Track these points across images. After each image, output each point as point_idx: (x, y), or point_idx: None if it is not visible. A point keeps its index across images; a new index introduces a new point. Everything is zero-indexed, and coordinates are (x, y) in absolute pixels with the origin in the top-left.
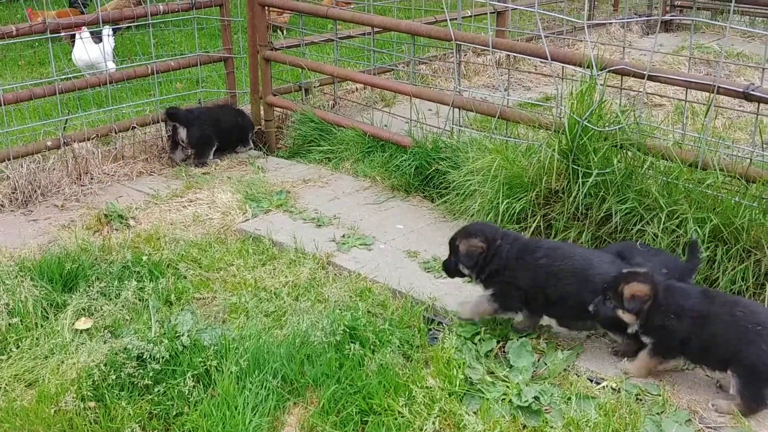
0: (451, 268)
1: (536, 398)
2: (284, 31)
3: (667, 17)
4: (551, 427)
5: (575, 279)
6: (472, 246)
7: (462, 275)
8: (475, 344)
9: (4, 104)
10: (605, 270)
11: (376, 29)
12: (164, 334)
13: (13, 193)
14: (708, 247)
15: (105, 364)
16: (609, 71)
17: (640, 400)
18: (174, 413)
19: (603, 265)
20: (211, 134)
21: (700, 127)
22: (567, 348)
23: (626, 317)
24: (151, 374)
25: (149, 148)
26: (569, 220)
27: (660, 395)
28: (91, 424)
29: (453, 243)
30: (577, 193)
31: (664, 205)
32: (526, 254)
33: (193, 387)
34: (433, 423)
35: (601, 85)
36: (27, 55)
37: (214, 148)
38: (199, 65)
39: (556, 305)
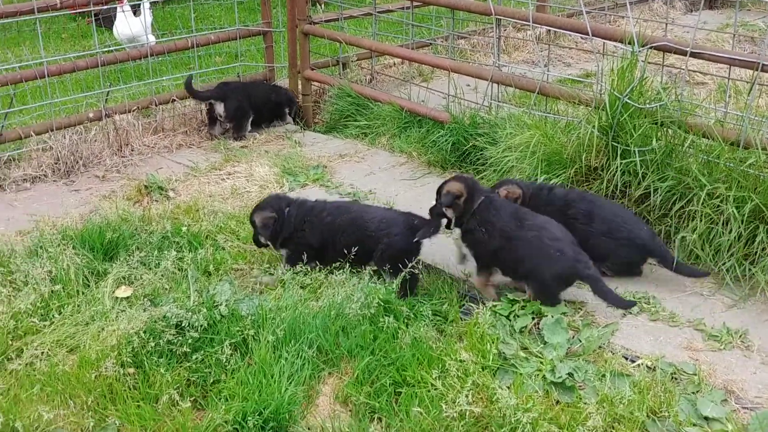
0: (255, 240)
1: (570, 374)
2: (322, 5)
3: None
4: (585, 403)
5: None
6: (266, 217)
7: (265, 245)
8: (510, 320)
9: (48, 76)
10: (380, 214)
11: (415, 3)
12: (203, 303)
13: (56, 163)
14: (748, 228)
15: (144, 332)
16: (651, 48)
17: (676, 378)
18: (211, 380)
19: (378, 211)
20: (247, 106)
21: (743, 105)
22: (602, 325)
23: (448, 212)
24: (189, 342)
25: (188, 121)
26: (608, 198)
27: (696, 374)
28: (130, 389)
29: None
30: (616, 171)
31: (705, 184)
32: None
33: (230, 355)
34: (466, 396)
35: (642, 61)
36: (70, 28)
37: (250, 120)
38: (239, 39)
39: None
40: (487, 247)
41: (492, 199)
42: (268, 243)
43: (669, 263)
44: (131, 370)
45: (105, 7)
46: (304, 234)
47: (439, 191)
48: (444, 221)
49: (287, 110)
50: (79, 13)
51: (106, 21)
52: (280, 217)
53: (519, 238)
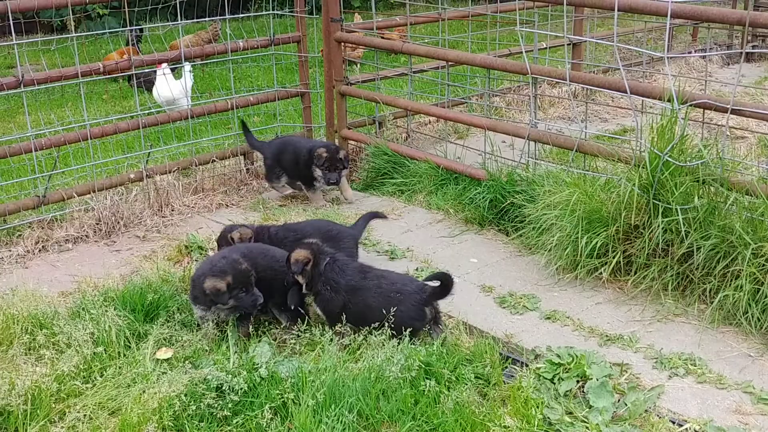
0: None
1: None
2: (358, 65)
3: (749, 48)
4: None
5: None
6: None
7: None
8: (554, 383)
9: (91, 138)
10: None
11: (449, 63)
12: (242, 365)
13: (98, 224)
14: None
15: (185, 395)
16: (691, 105)
17: None
18: None
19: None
20: (277, 165)
21: None
22: (648, 388)
23: (299, 278)
24: (229, 405)
25: (228, 181)
26: (650, 257)
27: None
28: None
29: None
30: (658, 229)
31: (749, 242)
32: None
33: (271, 419)
34: None
35: (682, 119)
36: (111, 89)
37: (281, 176)
38: (277, 100)
39: None
40: (335, 303)
41: (336, 259)
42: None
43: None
44: None
45: (146, 70)
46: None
47: (287, 261)
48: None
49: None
50: (121, 77)
51: (147, 83)
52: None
53: (366, 288)
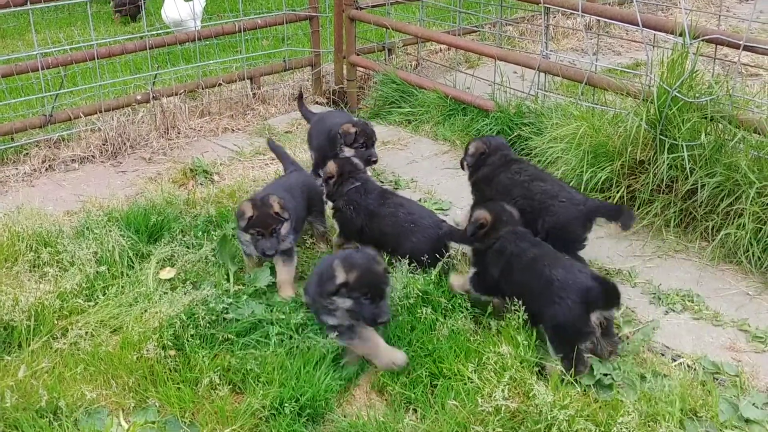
0: None
1: (609, 372)
2: None
3: None
4: (622, 401)
5: None
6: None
7: None
8: None
9: (98, 58)
10: None
11: None
12: (244, 287)
13: (104, 144)
14: None
15: (186, 315)
16: (702, 40)
17: (717, 379)
18: (250, 366)
19: None
20: None
21: None
22: (643, 323)
23: (324, 187)
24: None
25: (234, 105)
26: (654, 192)
27: (738, 376)
28: (170, 372)
29: None
30: (663, 165)
31: (754, 181)
32: None
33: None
34: (503, 390)
35: (693, 54)
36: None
37: None
38: (285, 23)
39: None
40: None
41: (366, 180)
42: None
43: None
44: (172, 353)
45: None
46: None
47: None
48: None
49: None
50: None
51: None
52: None
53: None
